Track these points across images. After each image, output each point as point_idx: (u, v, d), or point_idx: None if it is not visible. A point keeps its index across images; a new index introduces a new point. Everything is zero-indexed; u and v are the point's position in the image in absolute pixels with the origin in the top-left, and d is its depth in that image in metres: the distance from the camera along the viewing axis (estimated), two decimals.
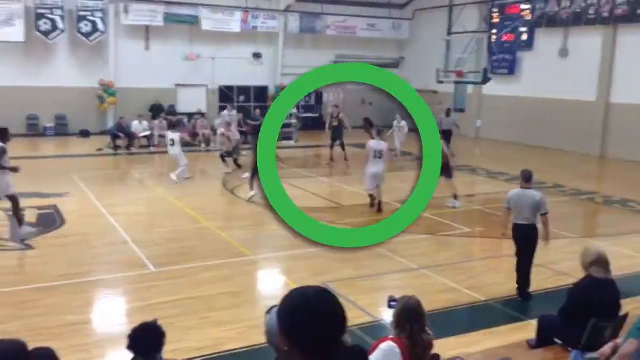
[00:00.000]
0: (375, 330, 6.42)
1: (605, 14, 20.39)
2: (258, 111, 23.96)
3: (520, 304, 7.79)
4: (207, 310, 7.26)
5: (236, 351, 6.26)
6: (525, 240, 7.86)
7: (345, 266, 9.04)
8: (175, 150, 15.30)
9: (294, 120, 24.58)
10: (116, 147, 20.67)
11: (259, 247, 10.10)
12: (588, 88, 21.14)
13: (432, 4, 25.51)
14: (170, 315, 6.97)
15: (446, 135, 20.74)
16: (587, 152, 21.19)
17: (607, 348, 3.74)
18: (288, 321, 1.96)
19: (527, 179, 8.00)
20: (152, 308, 7.21)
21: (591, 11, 20.86)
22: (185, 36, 24.93)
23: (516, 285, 7.96)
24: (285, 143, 23.25)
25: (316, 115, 27.75)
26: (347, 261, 9.29)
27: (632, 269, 8.70)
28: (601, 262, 5.55)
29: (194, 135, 22.30)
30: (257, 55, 26.63)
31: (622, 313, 5.52)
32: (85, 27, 22.67)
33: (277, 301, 2.09)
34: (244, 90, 26.95)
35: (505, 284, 8.30)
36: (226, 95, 26.42)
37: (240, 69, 26.12)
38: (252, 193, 12.71)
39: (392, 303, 4.26)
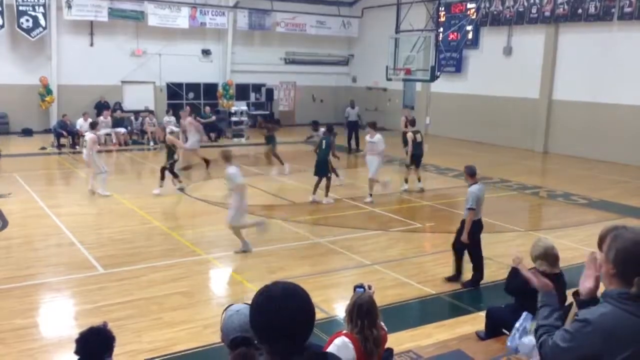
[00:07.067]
0: (329, 326, 6.45)
1: (547, 13, 21.03)
2: (208, 108, 23.81)
3: (469, 296, 7.98)
4: (159, 311, 7.15)
5: (189, 351, 6.19)
6: (480, 232, 8.19)
7: (299, 263, 9.07)
8: (85, 156, 13.69)
9: (244, 118, 24.48)
10: (60, 146, 20.11)
11: (212, 245, 9.99)
12: (531, 85, 21.77)
13: (380, 2, 25.77)
14: (121, 317, 6.85)
15: (351, 126, 21.05)
16: (531, 147, 21.85)
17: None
18: (253, 319, 1.96)
19: (474, 173, 8.20)
20: (101, 310, 7.06)
21: (533, 10, 21.48)
22: (131, 32, 24.40)
23: (471, 273, 8.30)
24: (236, 140, 23.16)
25: (267, 112, 27.66)
26: (301, 258, 9.33)
27: (576, 260, 8.99)
28: (546, 256, 5.75)
29: (142, 133, 21.92)
30: (206, 52, 26.33)
31: (567, 303, 5.71)
32: (26, 22, 21.89)
33: (230, 300, 2.09)
34: (193, 87, 26.62)
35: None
36: (175, 92, 26.04)
37: (189, 65, 25.78)
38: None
39: (359, 289, 4.31)
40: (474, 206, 7.94)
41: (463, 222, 8.16)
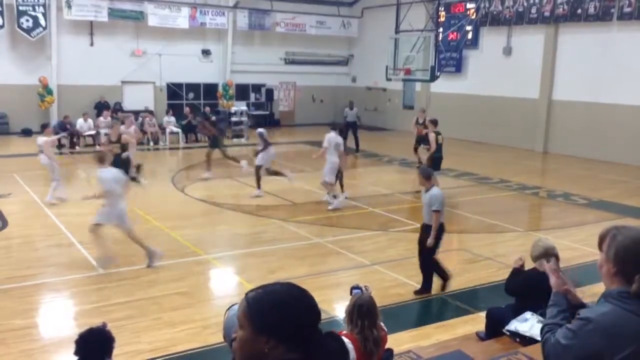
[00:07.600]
0: (329, 327, 6.43)
1: (547, 13, 21.02)
2: (208, 109, 23.81)
3: (469, 296, 7.97)
4: (159, 312, 7.14)
5: (189, 352, 6.19)
6: (442, 236, 7.97)
7: (299, 263, 9.07)
8: (43, 160, 12.61)
9: (244, 118, 24.47)
10: (60, 146, 20.07)
11: (212, 246, 9.99)
12: (531, 85, 21.76)
13: (380, 2, 25.76)
14: (120, 317, 6.84)
15: (350, 127, 20.96)
16: (531, 147, 21.84)
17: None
18: (273, 319, 1.89)
19: (430, 176, 7.92)
20: (100, 311, 7.05)
21: (533, 10, 21.47)
22: (131, 32, 24.39)
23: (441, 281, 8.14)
24: (236, 141, 23.14)
25: (267, 112, 27.66)
26: (300, 259, 9.33)
27: (576, 261, 9.00)
28: (547, 256, 5.72)
29: (142, 133, 21.89)
30: (206, 52, 26.32)
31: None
32: (26, 22, 21.89)
33: (230, 300, 2.05)
34: (193, 87, 26.61)
35: (454, 278, 8.47)
36: (175, 92, 26.03)
37: (189, 65, 25.76)
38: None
39: (355, 291, 4.30)
40: (440, 208, 7.68)
41: (424, 227, 7.94)
